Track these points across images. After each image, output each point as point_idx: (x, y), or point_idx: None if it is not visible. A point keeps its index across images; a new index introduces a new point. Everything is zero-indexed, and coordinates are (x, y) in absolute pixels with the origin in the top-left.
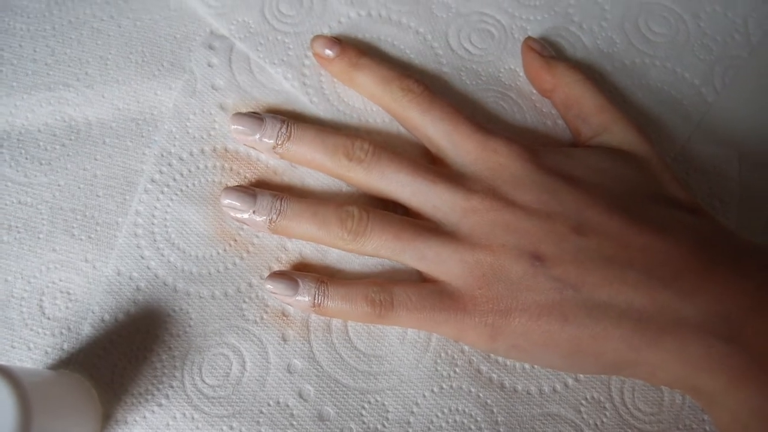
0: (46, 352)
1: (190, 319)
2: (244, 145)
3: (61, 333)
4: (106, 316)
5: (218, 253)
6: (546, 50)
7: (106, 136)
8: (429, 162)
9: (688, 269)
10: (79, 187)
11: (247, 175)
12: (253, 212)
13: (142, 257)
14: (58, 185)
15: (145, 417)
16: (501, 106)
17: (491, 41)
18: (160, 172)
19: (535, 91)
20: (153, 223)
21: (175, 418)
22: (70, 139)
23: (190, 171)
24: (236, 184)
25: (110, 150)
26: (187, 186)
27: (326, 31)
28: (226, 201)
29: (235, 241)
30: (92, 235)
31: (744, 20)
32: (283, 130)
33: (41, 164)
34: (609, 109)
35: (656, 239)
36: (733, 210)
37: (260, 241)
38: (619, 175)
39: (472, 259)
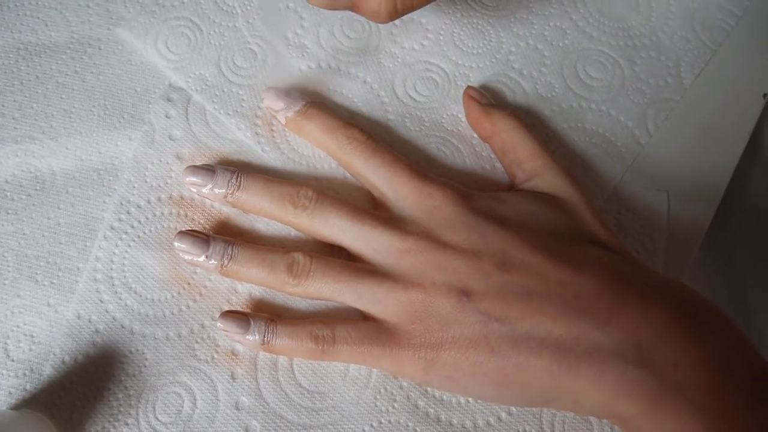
0: (10, 393)
1: (146, 359)
2: (198, 195)
3: (24, 374)
4: (67, 358)
5: (172, 296)
6: (485, 98)
7: (69, 185)
8: (372, 206)
9: (601, 301)
10: (43, 235)
11: (201, 221)
12: (206, 257)
13: (101, 301)
14: (24, 234)
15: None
16: (442, 151)
17: (435, 89)
18: (119, 219)
19: (475, 136)
20: (112, 269)
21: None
22: (36, 189)
23: (147, 218)
24: (190, 228)
25: (73, 199)
26: (144, 232)
27: (278, 83)
28: (180, 245)
29: (189, 284)
30: (54, 281)
31: (676, 64)
32: (233, 180)
33: (8, 214)
34: (541, 156)
35: (573, 274)
36: (662, 245)
37: (212, 284)
38: (544, 218)
39: (405, 298)
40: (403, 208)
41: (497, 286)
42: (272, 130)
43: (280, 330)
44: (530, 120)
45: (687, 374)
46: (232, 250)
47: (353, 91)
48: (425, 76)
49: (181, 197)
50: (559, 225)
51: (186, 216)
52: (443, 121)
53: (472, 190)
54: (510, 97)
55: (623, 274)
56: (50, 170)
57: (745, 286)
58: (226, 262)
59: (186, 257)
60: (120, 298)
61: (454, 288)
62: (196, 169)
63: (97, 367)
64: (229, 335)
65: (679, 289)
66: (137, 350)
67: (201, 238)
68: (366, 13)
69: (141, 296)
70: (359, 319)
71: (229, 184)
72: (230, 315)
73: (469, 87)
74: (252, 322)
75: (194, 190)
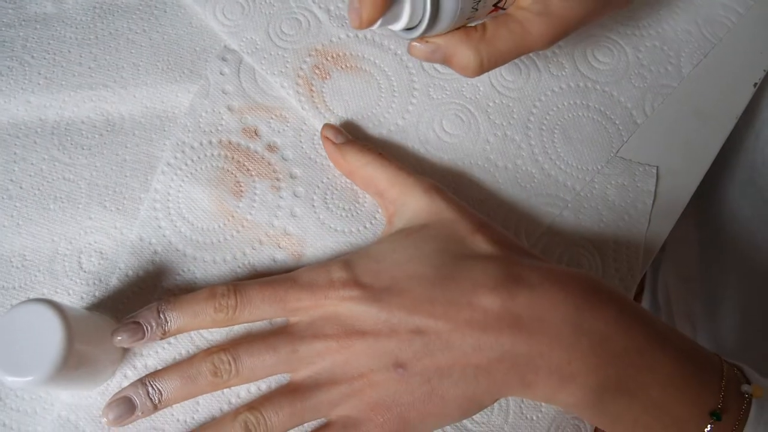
0: (82, 297)
1: (196, 278)
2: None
3: (94, 283)
4: (130, 272)
5: (219, 227)
6: (339, 137)
7: (135, 128)
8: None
9: (502, 322)
10: (111, 168)
11: (246, 163)
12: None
13: (159, 227)
14: (95, 166)
15: (156, 351)
16: (459, 117)
17: None
18: (175, 157)
19: (491, 104)
20: (168, 200)
21: (180, 353)
22: (107, 130)
23: (199, 158)
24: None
25: (137, 140)
26: (197, 170)
27: (319, 48)
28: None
29: (233, 217)
30: (120, 207)
31: (677, 54)
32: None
33: (83, 149)
34: (398, 182)
35: (470, 307)
36: (645, 216)
37: (252, 218)
38: (425, 253)
39: (352, 392)
40: (309, 320)
41: (420, 348)
42: (311, 90)
43: None
44: (382, 154)
45: (575, 367)
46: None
47: (385, 62)
48: None
49: (230, 142)
50: (437, 255)
51: (233, 158)
52: (463, 89)
53: (350, 258)
54: (524, 74)
55: (506, 292)
56: (120, 114)
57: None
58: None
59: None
60: (175, 226)
61: (390, 365)
62: (110, 405)
63: (155, 282)
64: None
65: (562, 273)
66: (189, 270)
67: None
68: (456, 68)
69: (193, 225)
70: (322, 426)
71: (149, 394)
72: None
73: (325, 126)
74: None
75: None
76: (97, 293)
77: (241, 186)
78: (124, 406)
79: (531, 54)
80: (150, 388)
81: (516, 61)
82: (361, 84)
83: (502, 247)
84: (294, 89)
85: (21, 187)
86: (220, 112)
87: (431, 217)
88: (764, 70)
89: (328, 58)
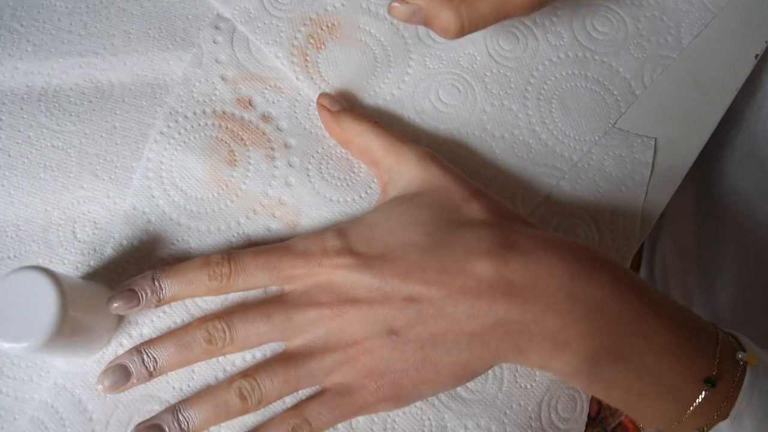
0: (77, 267)
1: (190, 247)
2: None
3: (89, 253)
4: (124, 242)
5: (213, 196)
6: (336, 105)
7: (125, 96)
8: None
9: (495, 290)
10: (101, 136)
11: (240, 133)
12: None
13: (153, 196)
14: (85, 133)
15: (152, 320)
16: (456, 87)
17: None
18: (168, 126)
19: (488, 74)
20: (161, 169)
21: (175, 322)
22: (96, 97)
23: (192, 127)
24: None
25: (128, 107)
26: (190, 139)
27: (314, 17)
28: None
29: (227, 186)
30: (112, 176)
31: (677, 24)
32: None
33: (71, 116)
34: (393, 151)
35: (464, 274)
36: (642, 188)
37: (247, 187)
38: (419, 221)
39: (347, 359)
40: (303, 288)
41: (413, 315)
42: (306, 60)
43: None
44: (377, 123)
45: (569, 333)
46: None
47: (381, 31)
48: None
49: (224, 112)
50: (431, 223)
51: (226, 128)
52: (460, 59)
53: (344, 227)
54: (521, 43)
55: (500, 259)
56: (109, 82)
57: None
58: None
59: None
60: (169, 195)
61: (384, 332)
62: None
63: (149, 251)
64: None
65: (557, 241)
66: (183, 239)
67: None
68: (436, 29)
69: (186, 194)
70: (317, 393)
71: (145, 362)
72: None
73: (321, 95)
74: None
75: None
76: (91, 263)
77: (235, 155)
78: (120, 373)
79: (528, 23)
80: (145, 356)
81: (514, 30)
82: (357, 54)
83: (497, 214)
84: (288, 59)
85: (9, 155)
86: (213, 82)
87: (425, 184)
88: (766, 42)
89: (323, 28)
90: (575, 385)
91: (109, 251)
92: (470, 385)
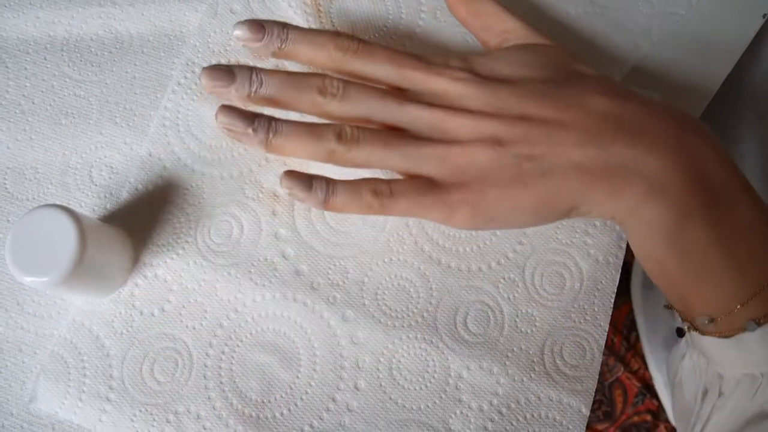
0: (93, 210)
1: (203, 192)
2: (252, 53)
3: (105, 197)
4: (140, 186)
5: (226, 144)
6: None
7: (144, 46)
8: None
9: (605, 125)
10: (121, 86)
11: None
12: (253, 130)
13: (168, 143)
14: (105, 83)
15: (166, 262)
16: (467, 41)
17: None
18: (185, 77)
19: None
20: (178, 117)
21: (188, 264)
22: (116, 48)
23: None
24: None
25: (147, 57)
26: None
27: None
28: (224, 120)
29: None
30: (130, 124)
31: None
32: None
33: (92, 66)
34: (508, 17)
35: (578, 110)
36: None
37: None
38: (537, 63)
39: (448, 154)
40: (419, 90)
41: (521, 133)
42: (320, 10)
43: (340, 188)
44: (549, 20)
45: (668, 177)
46: (276, 124)
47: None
48: None
49: (238, 62)
50: (551, 67)
51: None
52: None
53: (469, 55)
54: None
55: (617, 99)
56: (128, 32)
57: None
58: (271, 136)
59: (229, 132)
60: (184, 142)
61: (488, 141)
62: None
63: (164, 196)
64: (293, 194)
65: (664, 107)
66: (197, 185)
67: (244, 112)
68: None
69: (201, 142)
70: (408, 176)
71: (251, 81)
72: (294, 175)
73: None
74: (314, 183)
75: (249, 45)
76: (107, 206)
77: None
78: (224, 75)
79: None
80: (254, 74)
81: None
82: (369, 4)
83: (603, 74)
84: (302, 8)
85: (33, 102)
86: (228, 33)
87: (542, 42)
88: None
89: None
90: (646, 248)
91: (124, 195)
92: (472, 328)
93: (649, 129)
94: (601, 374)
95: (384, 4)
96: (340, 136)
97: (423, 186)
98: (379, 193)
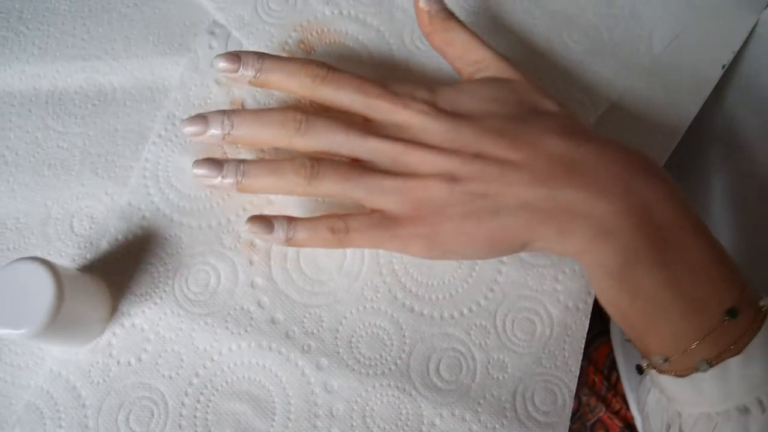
0: (73, 260)
1: (182, 242)
2: (232, 80)
3: (85, 246)
4: (119, 236)
5: (205, 195)
6: (429, 3)
7: (126, 99)
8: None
9: (558, 168)
10: (104, 137)
11: None
12: (221, 177)
13: (149, 194)
14: (88, 135)
15: (144, 311)
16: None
17: None
18: (166, 129)
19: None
20: (158, 168)
21: (165, 313)
22: (99, 100)
23: None
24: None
25: (129, 110)
26: (185, 141)
27: (304, 24)
28: (198, 171)
29: None
30: (111, 175)
31: (649, 35)
32: (226, 121)
33: (76, 118)
34: (479, 48)
35: (533, 151)
36: None
37: None
38: (501, 98)
39: (406, 188)
40: (383, 122)
41: (476, 170)
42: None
43: (300, 226)
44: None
45: (616, 220)
46: (244, 167)
47: (367, 37)
48: None
49: None
50: (515, 103)
51: None
52: (442, 67)
53: (435, 86)
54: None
55: (572, 141)
56: (111, 85)
57: None
58: (240, 178)
59: (204, 181)
60: (163, 193)
61: (445, 176)
62: (201, 162)
63: (143, 246)
64: (258, 236)
65: (619, 148)
66: (176, 235)
67: (215, 162)
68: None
69: (180, 192)
70: (365, 211)
71: (223, 125)
72: (257, 219)
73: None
74: (275, 223)
75: (230, 75)
76: (88, 255)
77: (228, 157)
78: (200, 121)
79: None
80: (226, 118)
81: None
82: (344, 58)
83: (571, 114)
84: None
85: (17, 154)
86: (208, 86)
87: (511, 77)
88: (733, 52)
89: (313, 34)
90: (599, 289)
91: (104, 245)
92: (445, 375)
93: (600, 172)
94: (583, 415)
95: (359, 57)
96: (298, 171)
97: (378, 220)
98: (336, 230)
